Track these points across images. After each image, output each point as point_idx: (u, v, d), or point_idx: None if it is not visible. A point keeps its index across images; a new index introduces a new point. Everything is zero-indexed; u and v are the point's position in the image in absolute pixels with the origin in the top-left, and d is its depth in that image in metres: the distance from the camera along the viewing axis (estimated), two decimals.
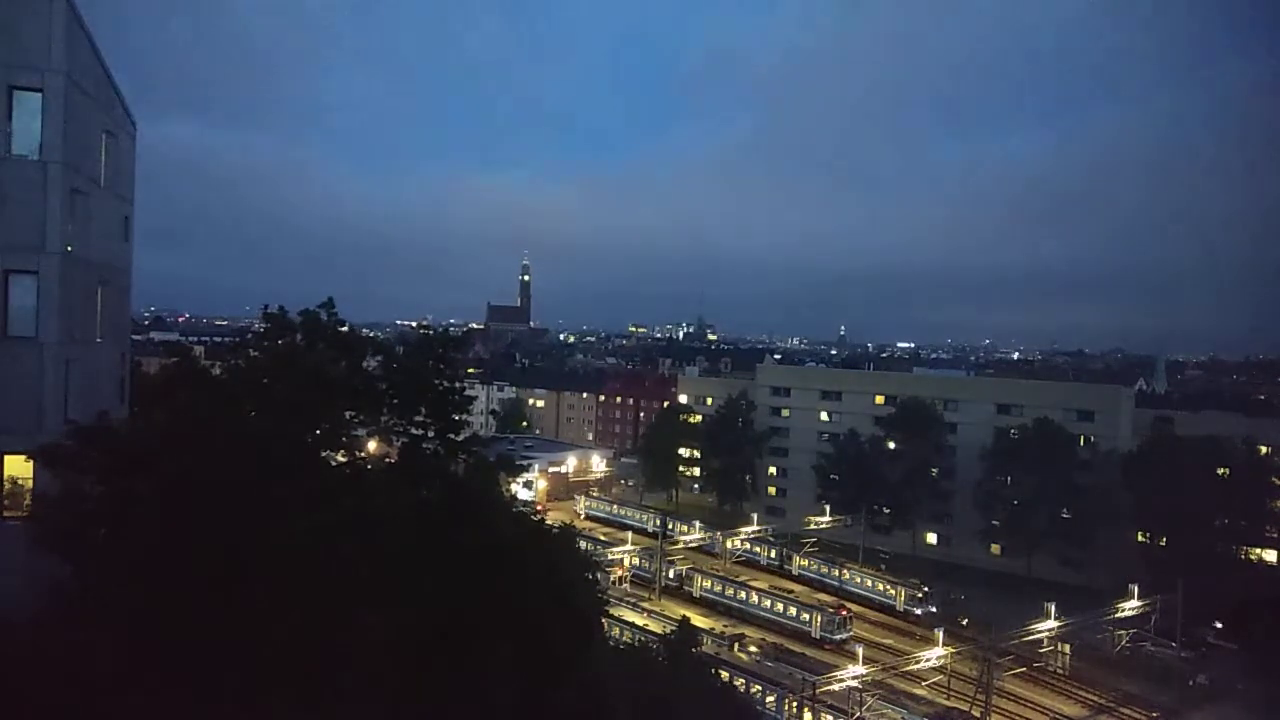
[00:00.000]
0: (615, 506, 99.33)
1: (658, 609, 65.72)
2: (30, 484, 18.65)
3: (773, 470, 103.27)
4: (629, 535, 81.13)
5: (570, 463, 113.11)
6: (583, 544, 56.28)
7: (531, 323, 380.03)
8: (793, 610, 66.63)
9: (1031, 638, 57.29)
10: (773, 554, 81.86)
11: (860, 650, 54.85)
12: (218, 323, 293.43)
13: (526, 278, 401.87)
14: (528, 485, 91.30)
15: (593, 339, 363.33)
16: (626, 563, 76.20)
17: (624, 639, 49.79)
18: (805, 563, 78.74)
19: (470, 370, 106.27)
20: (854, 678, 49.52)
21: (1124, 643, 61.27)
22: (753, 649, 59.35)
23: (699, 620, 59.84)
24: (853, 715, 48.46)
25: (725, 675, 48.58)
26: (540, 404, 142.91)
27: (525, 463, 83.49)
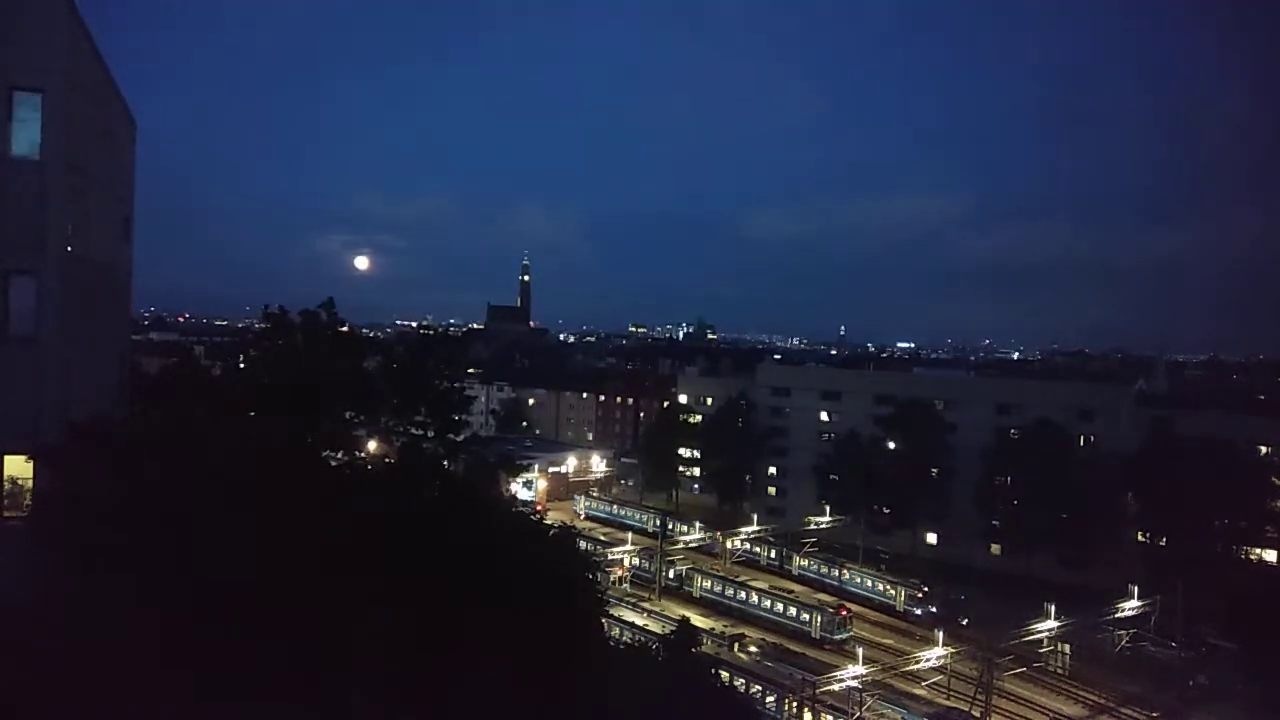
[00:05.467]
0: (615, 506, 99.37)
1: (658, 609, 65.71)
2: (30, 484, 18.61)
3: (773, 470, 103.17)
4: (629, 535, 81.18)
5: (570, 463, 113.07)
6: (583, 544, 56.27)
7: (531, 323, 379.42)
8: (793, 610, 66.63)
9: (1031, 638, 57.29)
10: (773, 554, 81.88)
11: (860, 650, 54.90)
12: (218, 323, 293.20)
13: (526, 278, 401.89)
14: (528, 485, 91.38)
15: (593, 339, 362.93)
16: (626, 563, 76.21)
17: (624, 639, 49.77)
18: (805, 563, 78.74)
19: (470, 370, 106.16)
20: (854, 678, 49.54)
21: (1124, 643, 61.27)
22: (753, 649, 59.33)
23: (699, 620, 59.81)
24: (853, 715, 48.46)
25: (725, 675, 48.55)
26: (540, 404, 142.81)
27: (525, 463, 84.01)
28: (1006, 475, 79.91)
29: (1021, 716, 52.92)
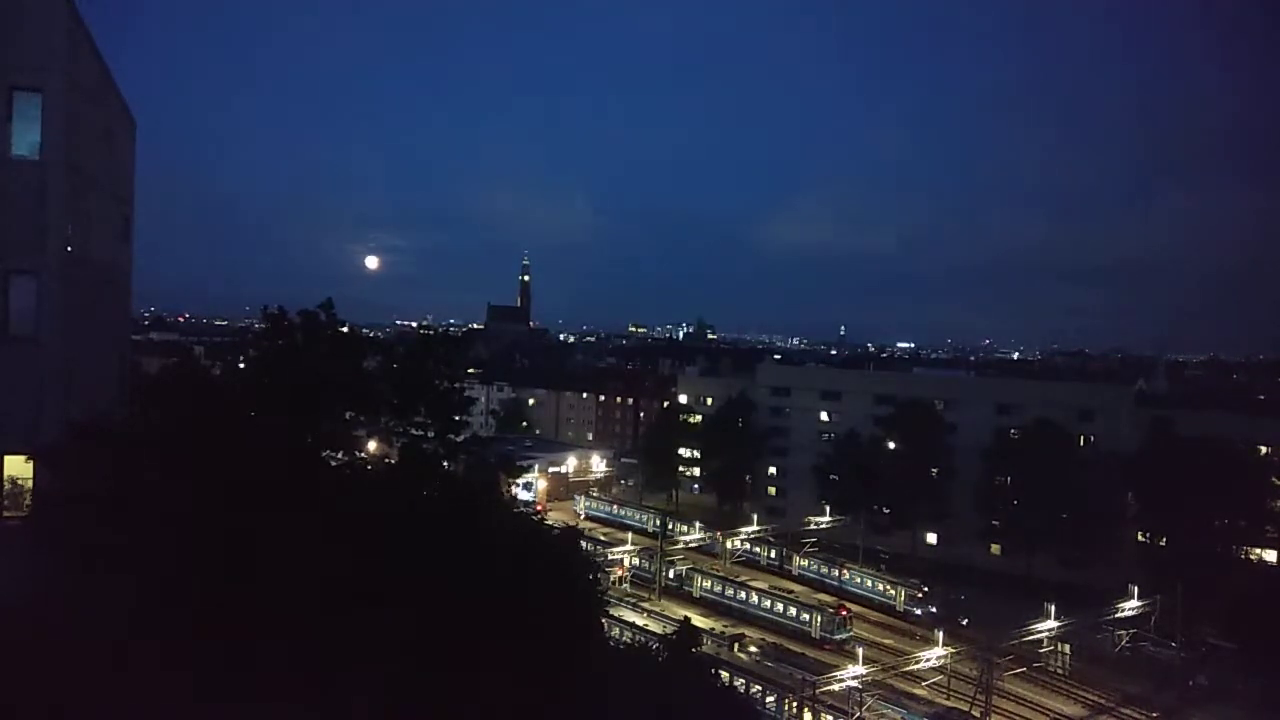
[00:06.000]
0: (615, 506, 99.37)
1: (658, 609, 65.74)
2: (30, 484, 18.62)
3: (773, 470, 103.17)
4: (629, 535, 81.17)
5: (570, 463, 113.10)
6: (583, 544, 56.21)
7: (531, 323, 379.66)
8: (793, 610, 66.63)
9: (1031, 638, 57.29)
10: (773, 554, 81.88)
11: (860, 650, 54.90)
12: (218, 323, 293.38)
13: (526, 278, 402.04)
14: (528, 485, 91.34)
15: (593, 339, 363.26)
16: (626, 563, 76.22)
17: (624, 639, 49.79)
18: (805, 563, 78.76)
19: (470, 370, 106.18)
20: (854, 678, 49.53)
21: (1124, 643, 61.28)
22: (753, 649, 59.35)
23: (699, 620, 59.81)
24: (853, 715, 48.46)
25: (725, 675, 48.57)
26: (540, 404, 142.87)
27: (525, 463, 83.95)
28: (1006, 475, 79.90)
29: (1021, 716, 52.91)
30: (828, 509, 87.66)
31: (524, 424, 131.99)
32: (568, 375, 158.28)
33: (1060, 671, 58.91)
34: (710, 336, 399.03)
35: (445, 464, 29.30)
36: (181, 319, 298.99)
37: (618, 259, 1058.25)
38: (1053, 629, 58.38)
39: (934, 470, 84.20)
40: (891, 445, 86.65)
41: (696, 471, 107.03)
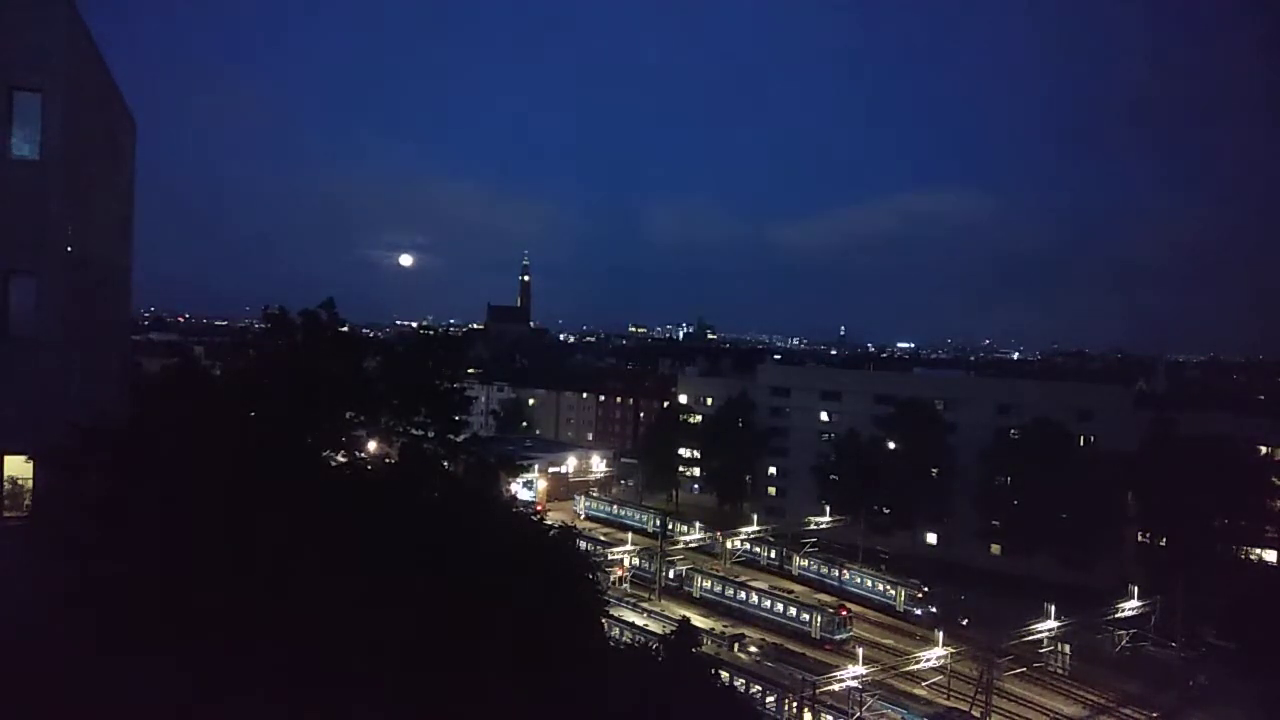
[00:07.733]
0: (615, 506, 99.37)
1: (658, 609, 65.69)
2: (30, 484, 18.61)
3: (773, 470, 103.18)
4: (629, 535, 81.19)
5: (570, 463, 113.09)
6: (583, 544, 56.20)
7: (531, 323, 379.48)
8: (793, 610, 66.64)
9: (1031, 638, 57.31)
10: (773, 554, 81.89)
11: (860, 650, 54.91)
12: (218, 323, 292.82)
13: (526, 278, 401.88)
14: (528, 485, 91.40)
15: (593, 339, 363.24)
16: (626, 563, 76.22)
17: (624, 639, 49.77)
18: (805, 563, 78.77)
19: (470, 370, 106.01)
20: (854, 678, 49.53)
21: (1124, 643, 61.28)
22: (753, 649, 59.32)
23: (699, 620, 59.84)
24: (853, 715, 48.46)
25: (725, 675, 48.54)
26: (540, 404, 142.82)
27: (525, 463, 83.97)
28: (1006, 475, 79.83)
29: (1021, 716, 52.93)
30: (828, 509, 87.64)
31: (524, 424, 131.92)
32: (568, 375, 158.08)
33: (1060, 671, 58.90)
34: (710, 336, 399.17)
35: (445, 464, 29.27)
36: (181, 319, 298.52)
37: (618, 259, 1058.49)
38: (1053, 629, 58.40)
39: (934, 470, 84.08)
40: (891, 445, 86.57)
41: (696, 471, 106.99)
